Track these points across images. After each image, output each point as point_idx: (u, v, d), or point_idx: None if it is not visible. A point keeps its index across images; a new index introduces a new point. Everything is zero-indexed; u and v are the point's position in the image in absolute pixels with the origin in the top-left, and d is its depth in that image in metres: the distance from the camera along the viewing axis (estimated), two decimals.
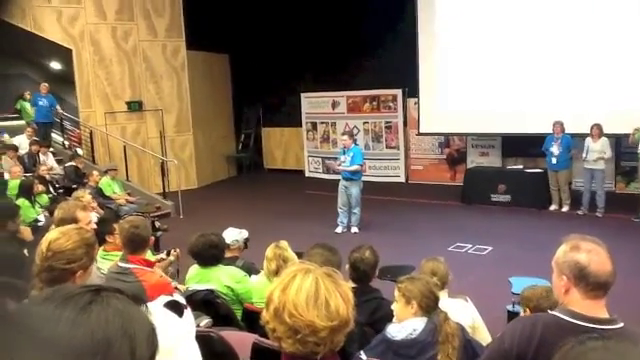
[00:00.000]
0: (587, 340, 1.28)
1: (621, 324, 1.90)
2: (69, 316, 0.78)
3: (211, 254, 4.10)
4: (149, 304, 2.00)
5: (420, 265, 3.72)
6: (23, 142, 11.35)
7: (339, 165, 9.43)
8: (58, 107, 12.60)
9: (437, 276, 3.49)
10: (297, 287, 1.46)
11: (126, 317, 0.82)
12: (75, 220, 3.54)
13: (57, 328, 0.77)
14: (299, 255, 4.23)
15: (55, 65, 15.68)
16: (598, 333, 1.71)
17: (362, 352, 2.88)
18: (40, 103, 12.28)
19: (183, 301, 2.18)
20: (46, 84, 12.64)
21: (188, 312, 2.07)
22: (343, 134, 10.04)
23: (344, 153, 9.36)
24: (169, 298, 2.09)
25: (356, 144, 11.40)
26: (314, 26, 13.91)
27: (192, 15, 13.99)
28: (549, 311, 2.11)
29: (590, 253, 1.94)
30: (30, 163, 10.57)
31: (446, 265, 3.69)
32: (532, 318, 2.23)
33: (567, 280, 1.96)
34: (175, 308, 2.01)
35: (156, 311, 1.90)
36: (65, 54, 13.13)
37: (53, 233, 2.33)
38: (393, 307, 3.01)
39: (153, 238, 3.43)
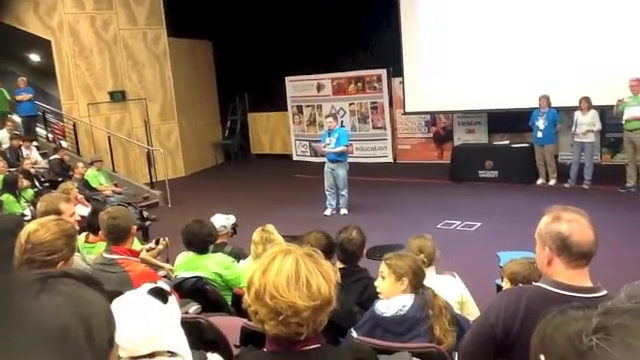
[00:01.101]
0: (569, 310, 1.28)
1: (604, 292, 1.91)
2: (20, 306, 0.76)
3: (187, 239, 4.10)
4: (133, 292, 1.98)
5: (407, 243, 3.72)
6: (5, 137, 11.21)
7: (325, 147, 9.39)
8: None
9: (424, 253, 3.50)
10: (277, 268, 1.44)
11: (78, 301, 0.80)
12: (58, 212, 3.49)
13: (8, 320, 0.74)
14: (289, 238, 4.23)
15: (35, 58, 15.46)
16: (582, 302, 1.72)
17: (353, 330, 2.89)
18: (18, 97, 12.10)
19: (167, 288, 2.16)
20: (24, 78, 12.46)
21: (173, 299, 2.05)
22: (327, 116, 10.02)
23: (329, 135, 9.32)
24: (153, 285, 2.07)
25: (342, 126, 11.39)
26: (296, 10, 13.78)
27: (173, 2, 13.82)
28: (533, 282, 2.12)
29: (571, 223, 1.94)
30: (13, 158, 10.44)
31: (433, 242, 3.69)
32: (517, 291, 2.24)
33: (550, 251, 1.97)
34: (159, 295, 1.99)
35: (140, 298, 1.88)
36: (44, 46, 12.94)
37: (32, 225, 2.30)
38: (378, 283, 3.00)
39: (135, 227, 3.39)
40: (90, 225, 4.62)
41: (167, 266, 4.18)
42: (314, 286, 1.43)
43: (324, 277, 1.46)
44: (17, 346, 0.73)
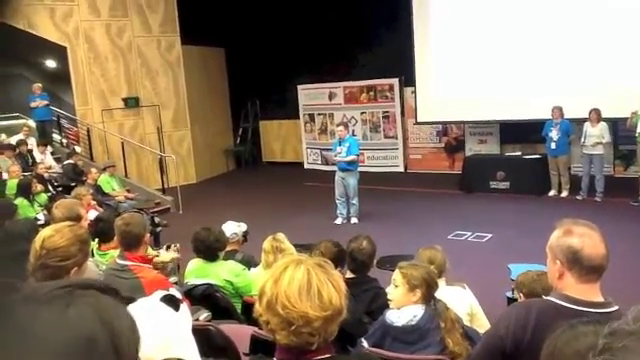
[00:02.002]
0: (578, 324, 1.29)
1: (615, 307, 1.91)
2: (49, 318, 0.77)
3: (195, 247, 4.14)
4: (145, 299, 2.00)
5: (417, 254, 3.72)
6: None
7: (335, 156, 9.41)
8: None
9: (434, 264, 3.49)
10: (289, 278, 1.46)
11: (106, 313, 0.81)
12: (79, 217, 3.55)
13: (37, 332, 0.75)
14: (299, 247, 4.24)
15: (50, 63, 15.65)
16: (592, 317, 1.72)
17: (363, 340, 2.90)
18: (33, 104, 12.24)
19: (179, 295, 2.18)
20: (39, 84, 12.61)
21: (184, 306, 2.07)
22: (338, 125, 10.04)
23: (340, 144, 9.34)
24: (165, 292, 2.09)
25: (353, 135, 11.40)
26: (309, 18, 13.86)
27: (186, 10, 13.93)
28: (544, 296, 2.11)
29: (583, 237, 1.94)
30: (23, 162, 10.51)
31: (443, 253, 3.68)
32: (527, 304, 2.23)
33: (561, 265, 1.97)
34: (171, 302, 2.01)
35: (152, 305, 1.90)
36: (60, 52, 13.08)
37: (46, 231, 2.33)
38: (390, 290, 3.00)
39: (148, 235, 3.41)
40: (96, 233, 4.65)
41: (169, 255, 4.22)
42: (325, 296, 1.44)
43: (335, 287, 1.48)
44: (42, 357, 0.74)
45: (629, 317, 0.82)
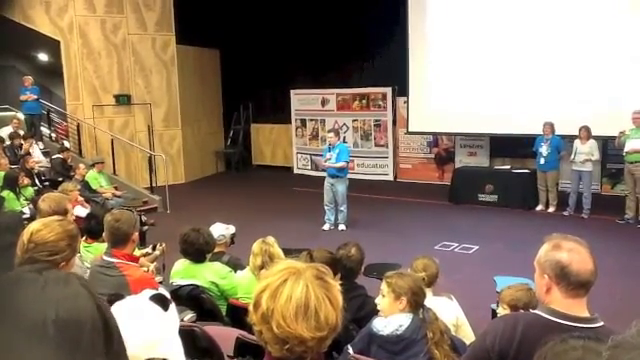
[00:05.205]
0: (569, 339, 1.30)
1: (601, 323, 1.92)
2: (29, 296, 0.78)
3: (183, 248, 4.13)
4: (134, 297, 1.99)
5: (413, 260, 3.71)
6: (7, 134, 11.22)
7: (325, 162, 9.41)
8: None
9: (426, 272, 3.50)
10: (287, 296, 1.41)
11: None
12: (66, 212, 3.53)
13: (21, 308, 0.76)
14: (287, 252, 4.24)
15: (43, 57, 15.55)
16: (578, 332, 1.73)
17: (349, 346, 2.89)
18: (22, 97, 12.15)
19: (168, 295, 2.17)
20: (30, 77, 12.53)
21: (173, 306, 2.06)
22: (329, 131, 10.05)
23: (330, 150, 9.35)
24: (154, 291, 2.08)
25: (344, 142, 11.41)
26: (305, 23, 13.88)
27: (183, 9, 13.91)
28: (531, 310, 2.12)
29: (571, 252, 1.96)
30: (12, 156, 10.42)
31: (438, 265, 3.68)
32: (514, 317, 2.24)
33: (549, 279, 1.98)
34: (160, 301, 2.00)
35: (140, 304, 1.89)
36: (53, 46, 13.02)
37: (35, 224, 2.30)
38: (378, 301, 3.00)
39: (137, 234, 3.37)
40: (86, 229, 4.62)
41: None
42: (322, 317, 1.40)
43: (332, 304, 1.43)
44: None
45: (633, 330, 0.83)
